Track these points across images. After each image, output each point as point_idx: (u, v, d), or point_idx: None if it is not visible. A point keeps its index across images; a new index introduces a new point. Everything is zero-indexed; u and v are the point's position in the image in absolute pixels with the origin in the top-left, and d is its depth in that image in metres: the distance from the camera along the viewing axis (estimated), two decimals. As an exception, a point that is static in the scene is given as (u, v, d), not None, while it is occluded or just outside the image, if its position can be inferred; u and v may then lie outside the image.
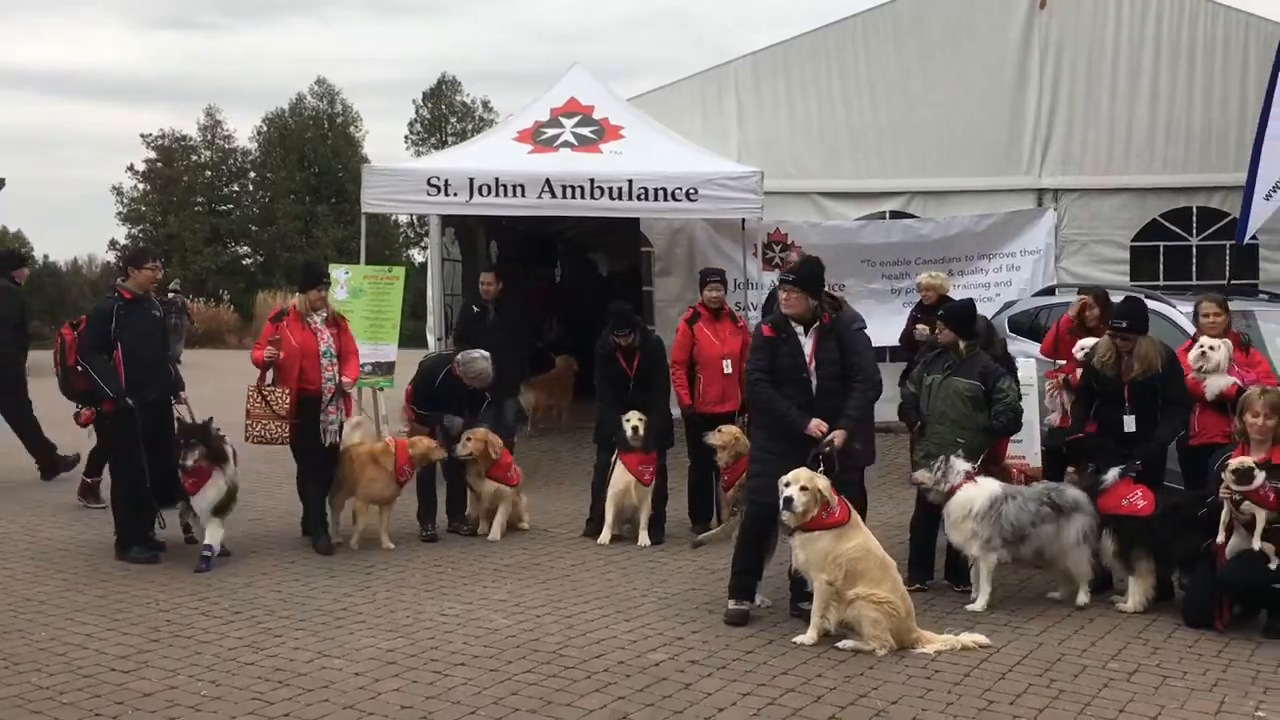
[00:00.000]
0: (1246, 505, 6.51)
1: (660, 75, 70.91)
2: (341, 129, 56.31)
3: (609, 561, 8.11)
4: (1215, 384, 7.37)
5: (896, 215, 14.02)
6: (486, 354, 9.00)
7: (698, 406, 9.04)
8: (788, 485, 6.15)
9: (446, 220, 14.26)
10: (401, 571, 7.73)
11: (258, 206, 55.09)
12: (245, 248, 54.40)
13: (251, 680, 5.54)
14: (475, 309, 11.27)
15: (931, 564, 7.55)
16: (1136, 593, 7.02)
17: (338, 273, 10.97)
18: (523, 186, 11.14)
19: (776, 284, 7.10)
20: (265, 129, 55.39)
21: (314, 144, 54.56)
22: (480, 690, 5.43)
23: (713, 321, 9.16)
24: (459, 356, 9.00)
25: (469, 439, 8.70)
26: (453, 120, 61.29)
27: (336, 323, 8.52)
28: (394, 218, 45.09)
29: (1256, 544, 6.50)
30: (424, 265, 16.02)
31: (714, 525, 8.93)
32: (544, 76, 68.48)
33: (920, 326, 10.42)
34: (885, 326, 13.44)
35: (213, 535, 7.80)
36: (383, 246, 47.78)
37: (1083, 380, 7.66)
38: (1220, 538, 6.64)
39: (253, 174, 56.14)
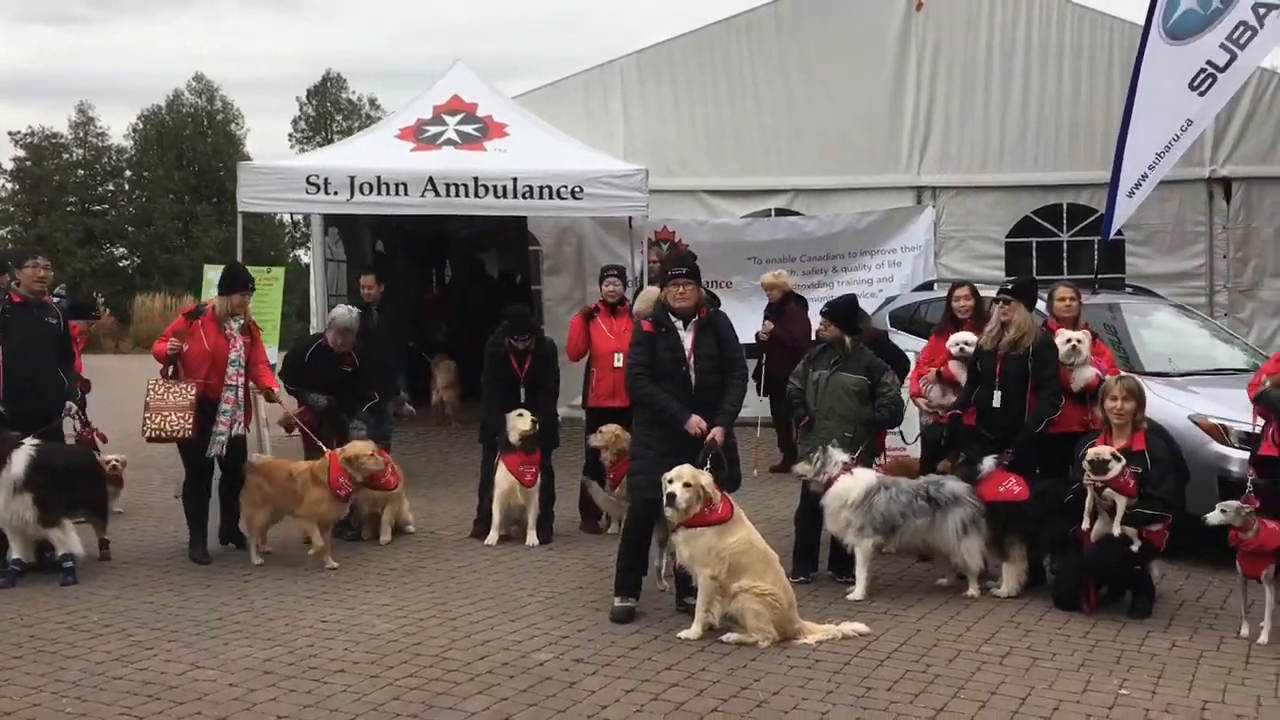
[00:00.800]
0: (1108, 491, 6.75)
1: (551, 75, 70.47)
2: (222, 126, 54.88)
3: (496, 562, 8.05)
4: (1081, 376, 7.61)
5: (782, 213, 14.22)
6: (350, 306, 9.10)
7: (590, 401, 9.05)
8: (671, 482, 6.18)
9: (330, 220, 14.03)
10: (281, 579, 7.56)
11: (134, 207, 53.35)
12: (121, 249, 52.64)
13: (120, 695, 5.35)
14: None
15: (816, 557, 7.66)
16: (1010, 578, 7.22)
17: (214, 274, 10.68)
18: (405, 185, 11.01)
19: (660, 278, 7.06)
20: (142, 126, 53.72)
21: (193, 142, 53.05)
22: (360, 697, 5.33)
23: (609, 317, 9.18)
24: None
25: (357, 448, 8.24)
26: (338, 118, 60.23)
27: (250, 331, 8.20)
28: (278, 217, 44.08)
29: (1118, 529, 6.75)
30: (309, 266, 15.69)
31: (602, 523, 8.95)
32: (433, 75, 67.63)
33: (766, 324, 10.63)
34: (772, 322, 13.66)
35: (70, 542, 7.43)
36: (267, 247, 46.77)
37: (971, 366, 7.86)
38: (1085, 523, 6.88)
39: (128, 173, 54.36)
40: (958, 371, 8.06)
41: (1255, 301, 14.15)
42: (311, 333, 13.02)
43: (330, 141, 57.38)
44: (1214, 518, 6.25)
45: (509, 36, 74.38)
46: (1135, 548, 6.74)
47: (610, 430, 8.41)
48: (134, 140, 54.14)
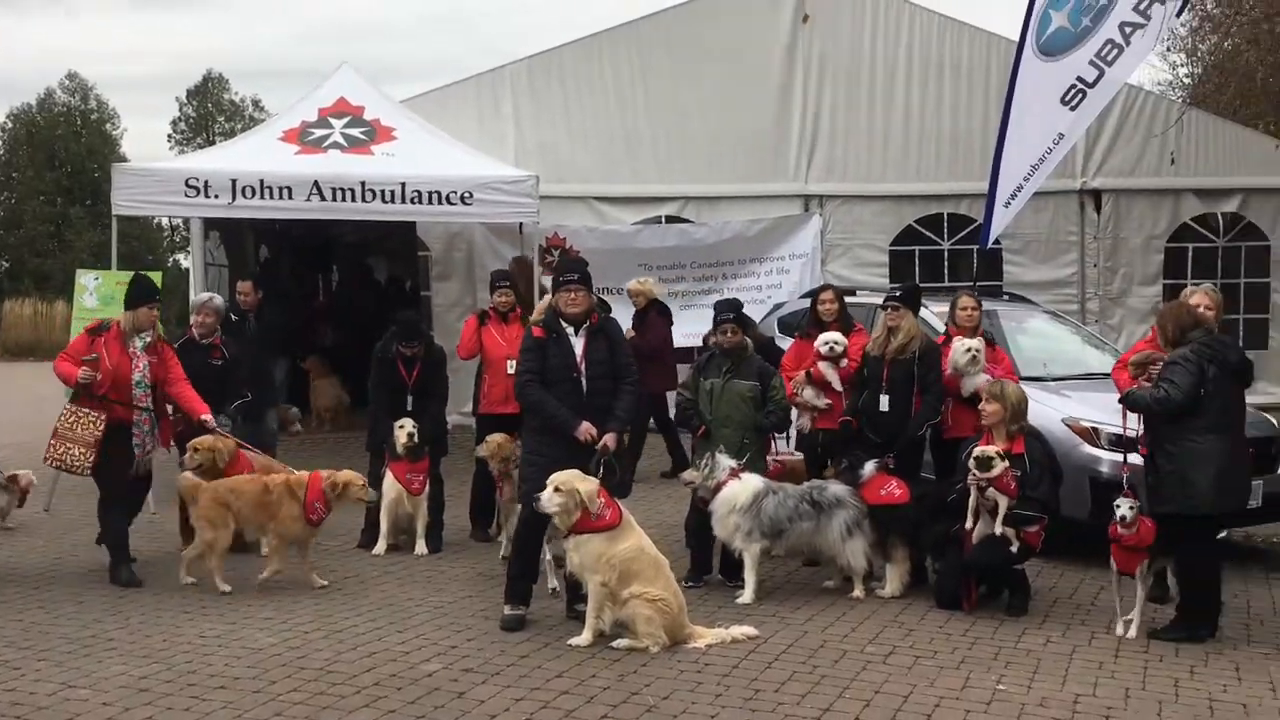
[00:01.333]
0: (990, 492, 6.96)
1: (438, 79, 70.06)
2: (96, 126, 53.07)
3: (384, 572, 7.93)
4: (971, 382, 7.80)
5: (672, 220, 14.31)
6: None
7: (483, 407, 8.99)
8: (545, 488, 6.18)
9: (210, 224, 13.66)
10: (159, 594, 7.31)
11: (2, 209, 51.21)
12: (-12, 253, 50.46)
13: (-15, 718, 5.13)
14: (234, 318, 10.39)
15: (708, 562, 7.68)
16: (893, 579, 7.39)
17: (87, 279, 10.35)
18: (290, 189, 10.76)
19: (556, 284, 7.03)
20: (11, 125, 51.65)
21: (65, 142, 51.21)
22: (242, 713, 5.20)
23: (501, 324, 9.14)
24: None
25: (194, 448, 7.97)
26: (220, 119, 58.80)
27: (158, 350, 7.68)
28: (155, 221, 42.76)
29: (999, 529, 6.96)
30: (189, 270, 15.27)
31: (493, 530, 8.87)
32: (318, 76, 66.46)
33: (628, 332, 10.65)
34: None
35: None
36: (145, 251, 45.26)
37: (857, 371, 8.00)
38: (969, 523, 7.07)
39: (-5, 174, 52.16)
40: (826, 371, 8.18)
41: (1124, 309, 14.76)
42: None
43: (212, 143, 55.92)
44: (1123, 512, 6.46)
45: (396, 38, 73.52)
46: (1014, 548, 6.96)
47: (495, 440, 8.32)
48: (2, 140, 52.04)
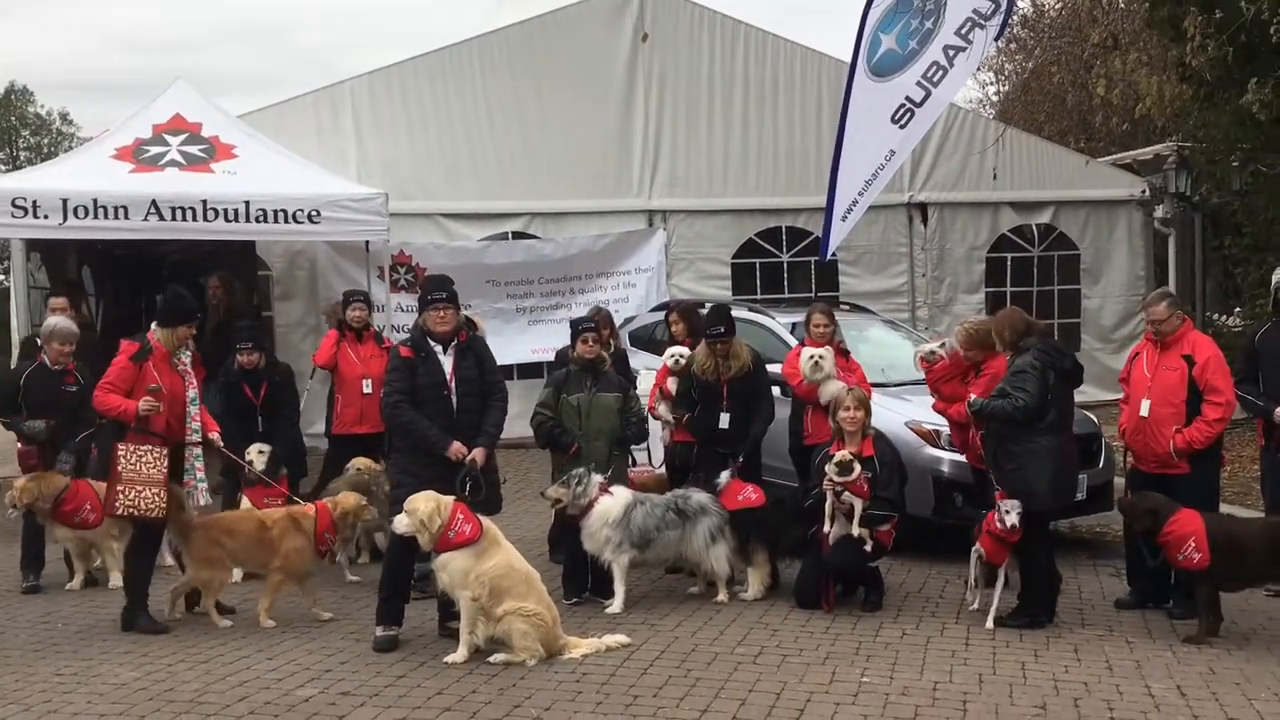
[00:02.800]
0: (846, 495, 7.27)
1: (257, 91, 68.31)
2: (-112, 140, 49.69)
3: (244, 599, 7.70)
4: (829, 389, 8.09)
5: (519, 235, 14.37)
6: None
7: (336, 427, 8.87)
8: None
9: (32, 244, 13.03)
10: (2, 632, 6.97)
11: None
12: None
13: None
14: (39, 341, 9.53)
15: (586, 576, 7.59)
16: (755, 581, 7.64)
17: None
18: (126, 208, 10.40)
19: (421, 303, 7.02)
20: None
21: None
22: (112, 751, 5.04)
23: (355, 342, 9.04)
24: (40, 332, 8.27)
25: (18, 488, 7.70)
26: (25, 134, 55.88)
27: (198, 364, 7.35)
28: (-40, 241, 40.22)
29: (856, 530, 7.28)
30: (9, 292, 14.50)
31: (352, 553, 8.73)
32: (130, 88, 63.92)
33: None
34: (511, 344, 13.82)
35: None
36: (-51, 273, 42.54)
37: (681, 387, 8.20)
38: (826, 526, 7.37)
39: None
40: (673, 386, 8.34)
41: (950, 316, 15.48)
42: (13, 365, 12.00)
43: (17, 158, 53.06)
44: (1012, 520, 6.81)
45: (193, 50, 71.26)
46: (869, 548, 7.29)
47: (363, 464, 8.23)
48: None
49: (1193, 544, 6.53)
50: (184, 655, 6.44)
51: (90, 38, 73.00)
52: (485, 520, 6.36)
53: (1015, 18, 24.32)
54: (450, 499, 6.26)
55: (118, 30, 72.70)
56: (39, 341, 8.98)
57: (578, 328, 7.76)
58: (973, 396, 7.22)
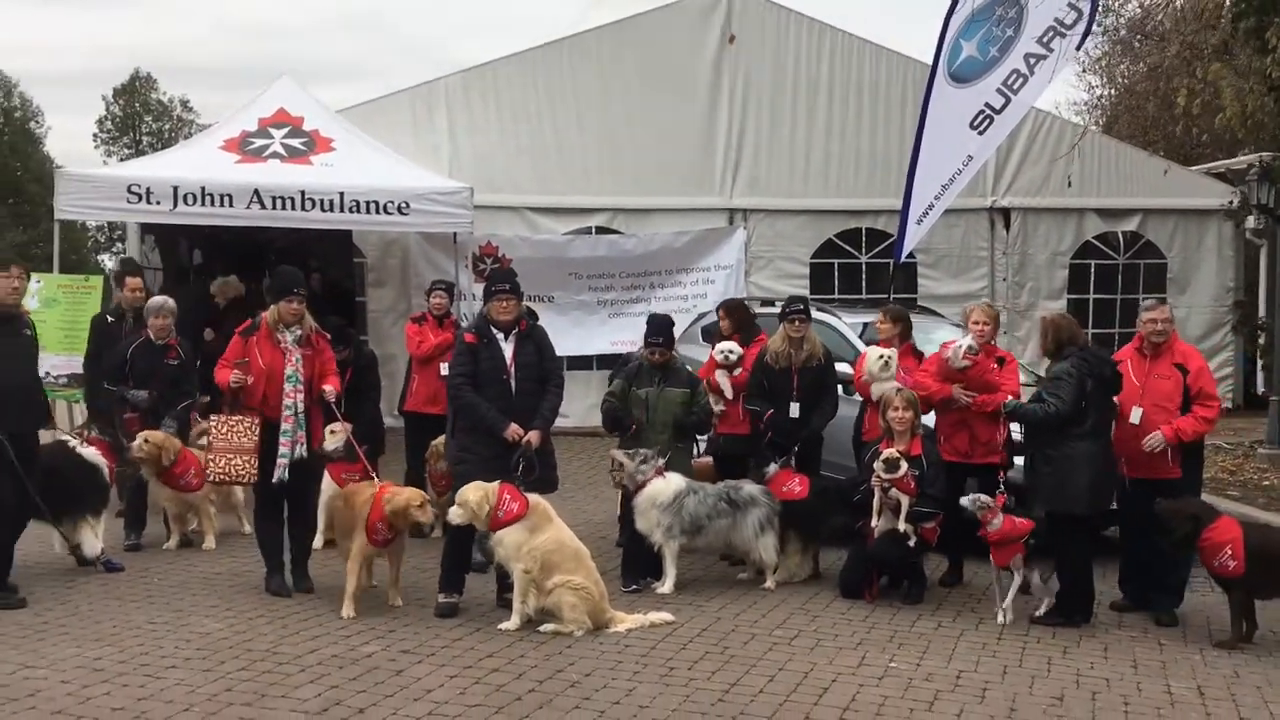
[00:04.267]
0: (893, 492, 7.54)
1: (361, 77, 70.22)
2: (20, 124, 52.20)
3: (323, 565, 8.23)
4: (879, 388, 8.32)
5: (602, 230, 14.83)
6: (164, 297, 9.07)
7: (408, 404, 9.40)
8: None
9: (146, 228, 13.90)
10: (106, 584, 7.64)
11: (-78, 206, 50.14)
12: (-94, 251, 49.36)
13: (-51, 695, 5.46)
14: (110, 320, 9.76)
15: (643, 565, 7.83)
16: (783, 569, 7.94)
17: (30, 282, 10.53)
18: (230, 196, 11.11)
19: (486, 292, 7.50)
20: (-69, 121, 50.67)
21: (-13, 140, 50.37)
22: (194, 689, 5.59)
23: (436, 328, 9.55)
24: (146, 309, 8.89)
25: (145, 440, 8.31)
26: (148, 119, 58.18)
27: (312, 342, 7.44)
28: (81, 222, 42.26)
29: (902, 525, 7.54)
30: (127, 262, 15.43)
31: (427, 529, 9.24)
32: (243, 74, 66.20)
33: None
34: (592, 335, 14.31)
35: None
36: (69, 251, 44.72)
37: (753, 379, 8.52)
38: (873, 521, 7.65)
39: (-84, 170, 51.06)
40: (720, 379, 8.61)
41: (1030, 321, 15.51)
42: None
43: (139, 142, 55.34)
44: (964, 501, 7.16)
45: (312, 36, 73.55)
46: (913, 543, 7.55)
47: (439, 443, 8.72)
48: (-78, 136, 50.98)
49: (1229, 551, 6.67)
50: (265, 611, 7.02)
51: (199, 24, 75.71)
52: (534, 497, 6.80)
53: (1123, 20, 24.11)
54: (495, 485, 6.72)
55: (234, 18, 75.22)
56: (108, 318, 9.74)
57: (648, 338, 8.06)
58: (1009, 398, 7.43)
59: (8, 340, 7.13)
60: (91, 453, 8.07)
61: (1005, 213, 15.57)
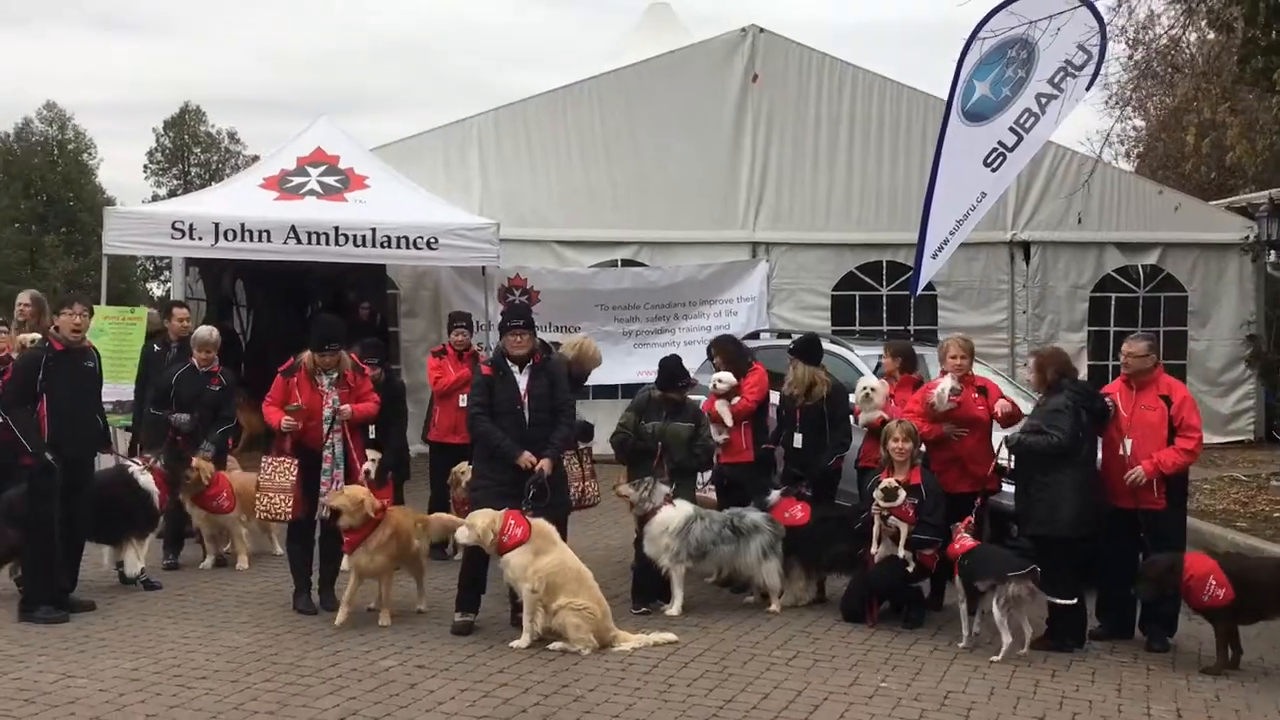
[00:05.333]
0: (892, 520, 7.84)
1: (406, 108, 71.53)
2: (73, 156, 53.66)
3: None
4: (865, 416, 8.67)
5: (628, 263, 15.24)
6: (210, 327, 9.62)
7: (432, 434, 9.79)
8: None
9: (190, 260, 14.48)
10: (143, 601, 8.09)
11: (-25, 235, 51.58)
12: (-39, 280, 50.80)
13: (-3, 700, 5.90)
14: (156, 348, 10.39)
15: (653, 588, 8.14)
16: (787, 595, 8.21)
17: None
18: (268, 232, 11.63)
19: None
20: (-14, 153, 52.17)
21: (42, 171, 51.78)
22: (222, 699, 5.99)
23: (457, 360, 9.96)
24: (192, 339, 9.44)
25: (196, 468, 8.88)
26: (196, 151, 59.52)
27: (349, 382, 7.86)
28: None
29: (901, 552, 7.83)
30: (162, 300, 16.08)
31: (450, 550, 9.63)
32: (289, 107, 67.58)
33: None
34: (617, 366, 14.65)
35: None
36: (117, 280, 45.89)
37: (778, 410, 8.90)
38: (873, 548, 7.94)
39: (-31, 200, 52.57)
40: (720, 409, 8.86)
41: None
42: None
43: (188, 174, 56.66)
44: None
45: (361, 66, 75.10)
46: (911, 569, 7.84)
47: (458, 470, 9.12)
48: (-23, 167, 52.45)
49: (1213, 581, 6.89)
50: (291, 627, 7.42)
51: (251, 56, 77.47)
52: (538, 523, 7.18)
53: (1153, 51, 24.24)
54: (501, 512, 7.13)
55: (278, 49, 76.98)
56: (155, 347, 10.36)
57: (660, 378, 8.46)
58: (1011, 432, 7.70)
59: (74, 373, 7.66)
60: (147, 480, 8.58)
61: (1025, 246, 15.80)
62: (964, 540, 7.49)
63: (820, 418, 8.61)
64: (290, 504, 7.72)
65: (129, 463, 8.80)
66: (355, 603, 7.64)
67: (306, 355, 7.81)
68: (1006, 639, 7.08)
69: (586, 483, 8.35)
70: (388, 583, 7.71)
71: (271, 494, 7.73)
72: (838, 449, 8.63)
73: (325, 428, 7.77)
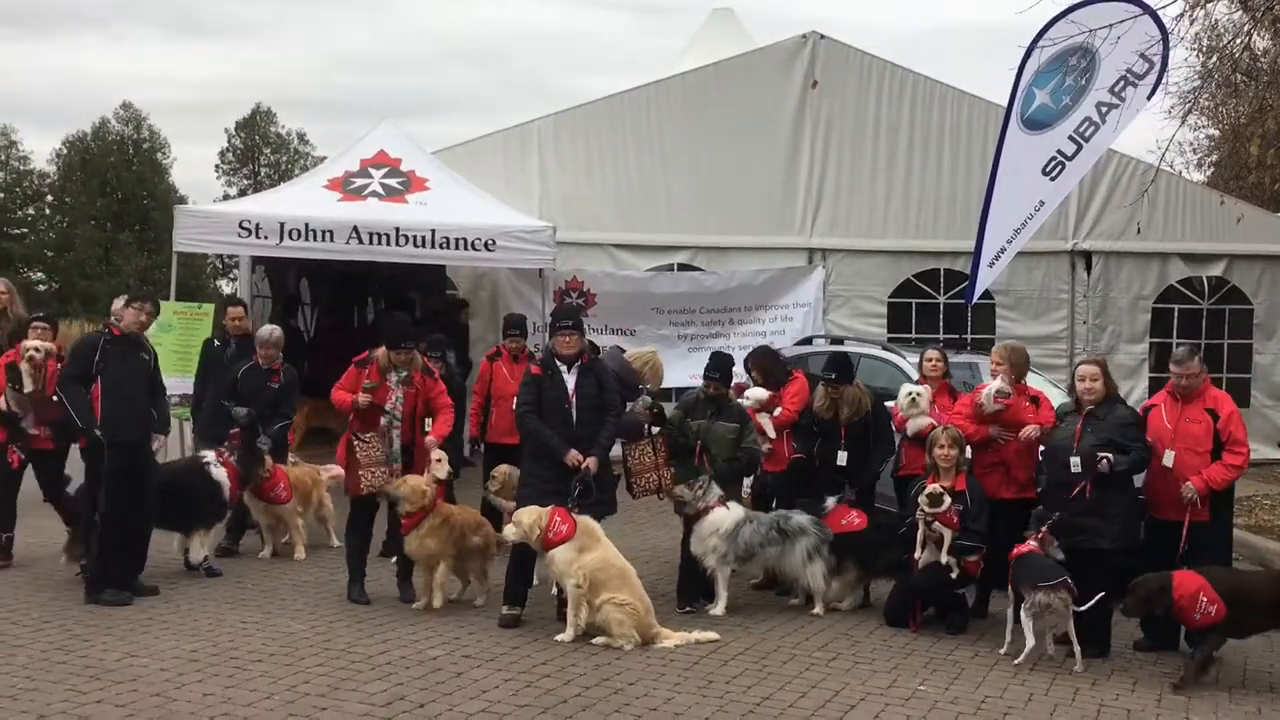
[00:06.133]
0: (936, 525, 7.87)
1: (472, 110, 72.32)
2: (148, 155, 55.01)
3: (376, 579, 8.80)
4: (914, 424, 8.70)
5: (684, 268, 15.35)
6: (273, 326, 9.97)
7: (489, 436, 9.97)
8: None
9: (257, 259, 14.86)
10: (205, 587, 8.37)
11: (54, 232, 53.11)
12: (40, 274, 52.35)
13: (64, 676, 6.18)
14: (216, 344, 10.68)
15: (698, 587, 8.29)
16: (838, 589, 8.29)
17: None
18: (331, 232, 11.92)
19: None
20: (65, 152, 53.64)
21: (117, 170, 53.13)
22: (276, 680, 6.22)
23: (512, 363, 10.13)
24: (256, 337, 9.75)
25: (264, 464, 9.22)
26: (266, 151, 60.72)
27: (415, 383, 8.14)
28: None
29: (944, 558, 7.86)
30: (230, 297, 16.49)
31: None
32: (355, 109, 68.58)
33: None
34: (672, 369, 14.65)
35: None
36: (189, 277, 46.94)
37: (803, 421, 8.95)
38: (917, 553, 7.98)
39: (49, 198, 54.15)
40: (763, 421, 8.98)
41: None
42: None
43: (258, 174, 57.82)
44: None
45: (430, 69, 76.10)
46: (954, 575, 7.87)
47: (503, 470, 9.25)
48: (57, 166, 53.97)
49: (1204, 599, 6.78)
50: (344, 615, 7.65)
51: (321, 59, 78.91)
52: (584, 520, 7.34)
53: (1224, 58, 23.82)
54: (548, 509, 7.30)
55: (347, 51, 78.24)
56: (214, 342, 10.70)
57: (706, 372, 8.57)
58: (1112, 456, 7.34)
59: (131, 360, 8.00)
60: (220, 473, 8.91)
61: (1087, 255, 15.68)
62: (1022, 546, 7.46)
63: (865, 431, 8.67)
64: (380, 478, 7.94)
65: (203, 454, 9.11)
66: (443, 588, 7.89)
67: (381, 351, 8.07)
68: (1030, 642, 7.11)
69: (662, 471, 8.40)
70: (438, 569, 7.89)
71: (372, 469, 7.96)
72: (885, 455, 8.69)
73: (384, 420, 8.01)
